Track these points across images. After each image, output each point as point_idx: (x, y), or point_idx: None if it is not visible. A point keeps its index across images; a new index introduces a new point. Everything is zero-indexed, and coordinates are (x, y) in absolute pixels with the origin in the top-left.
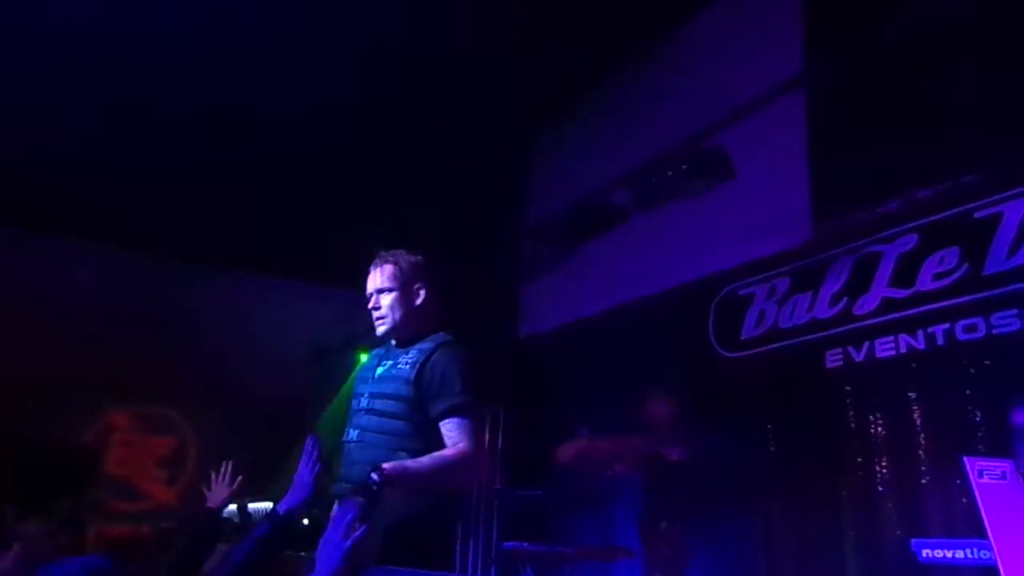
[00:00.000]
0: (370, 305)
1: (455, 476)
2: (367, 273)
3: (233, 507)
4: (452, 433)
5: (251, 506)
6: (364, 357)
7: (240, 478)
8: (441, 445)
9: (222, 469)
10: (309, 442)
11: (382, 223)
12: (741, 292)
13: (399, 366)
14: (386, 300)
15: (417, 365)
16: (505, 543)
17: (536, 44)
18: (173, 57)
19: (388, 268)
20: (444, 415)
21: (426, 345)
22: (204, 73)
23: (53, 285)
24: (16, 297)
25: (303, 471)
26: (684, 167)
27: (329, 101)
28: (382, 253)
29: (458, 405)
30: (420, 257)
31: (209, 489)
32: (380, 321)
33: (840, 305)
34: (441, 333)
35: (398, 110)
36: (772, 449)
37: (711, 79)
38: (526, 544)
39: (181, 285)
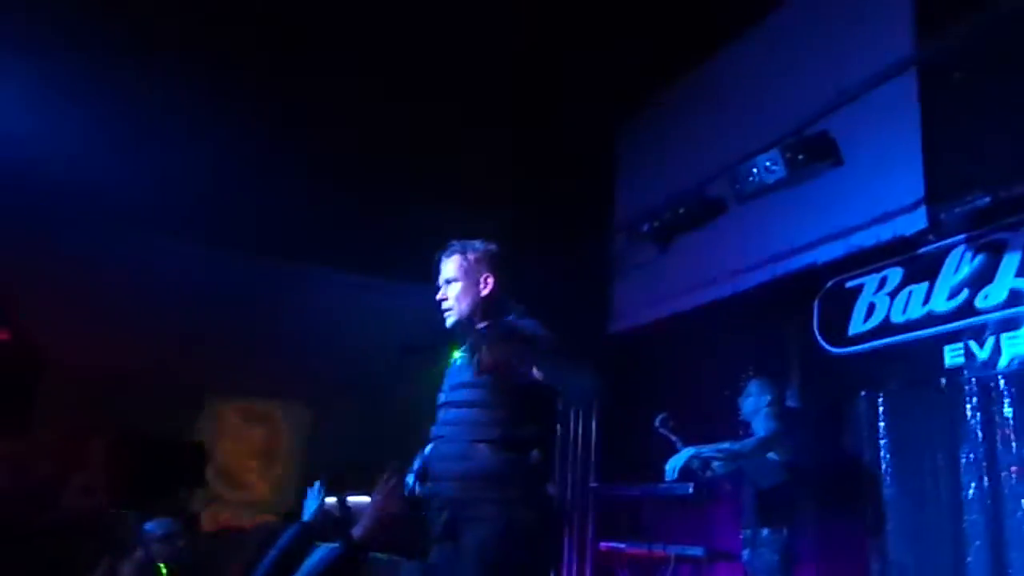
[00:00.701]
0: (438, 296)
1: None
2: (438, 263)
3: (333, 500)
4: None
5: (351, 500)
6: (456, 354)
7: (323, 492)
8: (526, 415)
9: (316, 484)
10: (387, 472)
11: (473, 220)
12: (848, 284)
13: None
14: (453, 291)
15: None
16: (601, 543)
17: (626, 32)
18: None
19: (455, 258)
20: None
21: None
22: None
23: (157, 284)
24: (126, 296)
25: (375, 499)
26: (788, 155)
27: (419, 98)
28: (452, 243)
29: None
30: (491, 246)
31: (304, 498)
32: (448, 312)
33: (960, 297)
34: (511, 316)
35: (488, 104)
36: (884, 451)
37: (813, 62)
38: (623, 545)
39: (277, 283)
